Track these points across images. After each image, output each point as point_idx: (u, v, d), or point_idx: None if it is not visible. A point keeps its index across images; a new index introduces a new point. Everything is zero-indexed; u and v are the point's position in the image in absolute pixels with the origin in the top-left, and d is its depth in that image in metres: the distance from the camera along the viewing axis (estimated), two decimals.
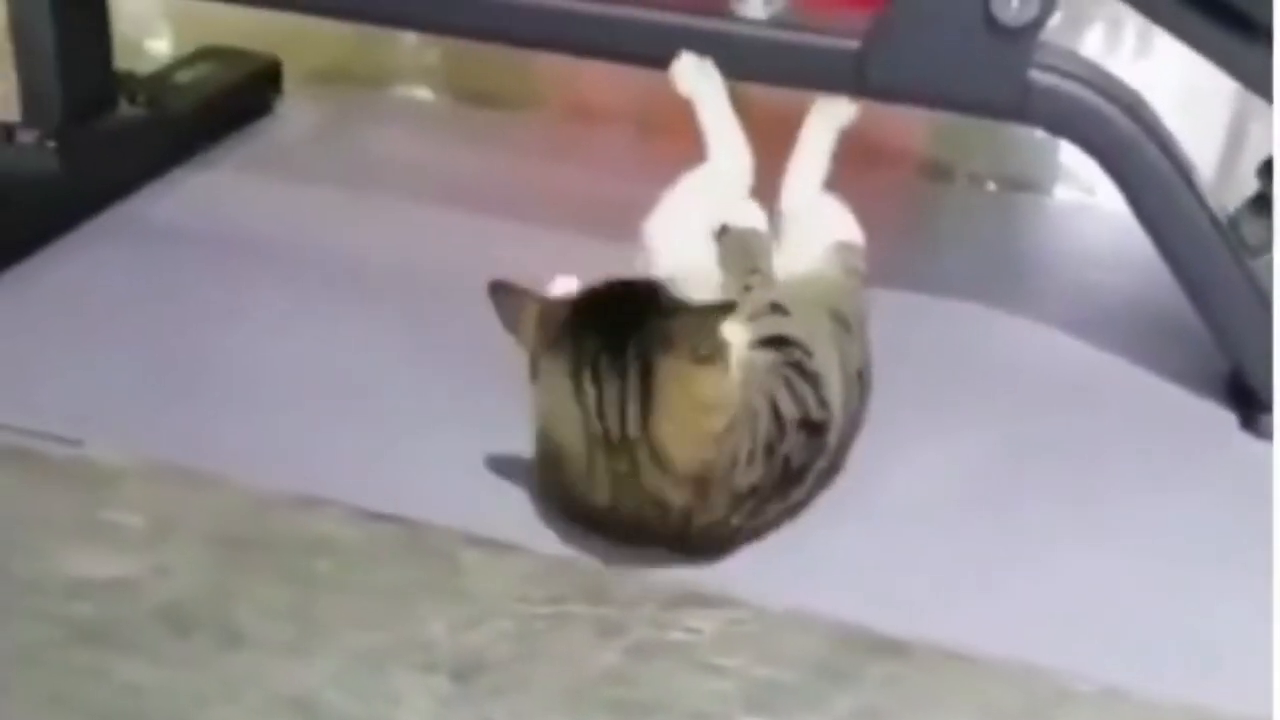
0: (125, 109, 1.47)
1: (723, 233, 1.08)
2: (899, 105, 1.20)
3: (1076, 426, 1.18)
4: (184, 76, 1.58)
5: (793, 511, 1.03)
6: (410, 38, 1.92)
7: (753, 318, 1.02)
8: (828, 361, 1.03)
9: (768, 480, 0.98)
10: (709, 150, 1.17)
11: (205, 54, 1.65)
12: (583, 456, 0.96)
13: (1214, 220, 1.16)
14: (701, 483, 0.95)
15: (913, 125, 1.70)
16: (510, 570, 0.99)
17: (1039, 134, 1.64)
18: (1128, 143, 1.15)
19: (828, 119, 1.20)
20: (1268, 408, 1.17)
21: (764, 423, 0.97)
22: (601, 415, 0.94)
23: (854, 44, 1.18)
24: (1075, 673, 0.92)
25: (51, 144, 1.37)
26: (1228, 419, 1.20)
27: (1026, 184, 1.62)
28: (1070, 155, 1.64)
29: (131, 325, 1.26)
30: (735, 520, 0.99)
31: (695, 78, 1.18)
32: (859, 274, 1.15)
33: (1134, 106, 1.16)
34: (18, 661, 0.90)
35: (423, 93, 1.85)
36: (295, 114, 1.68)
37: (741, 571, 1.00)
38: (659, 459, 0.94)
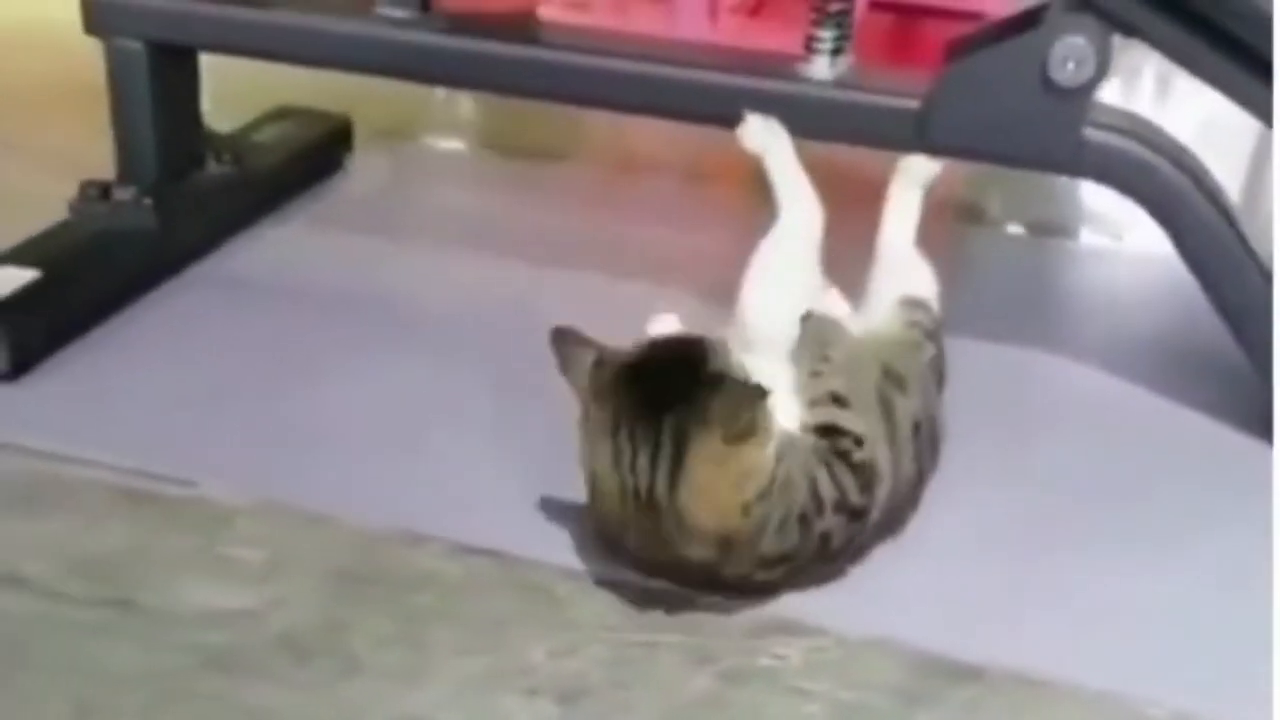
0: (213, 167, 1.55)
1: (806, 318, 1.11)
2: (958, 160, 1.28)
3: (1121, 460, 1.24)
4: (263, 135, 1.66)
5: (855, 555, 1.08)
6: (463, 96, 2.00)
7: (812, 404, 1.06)
8: (875, 436, 1.07)
9: (803, 551, 1.03)
10: (781, 207, 1.22)
11: (280, 114, 1.73)
12: (617, 503, 1.01)
13: (1261, 268, 1.22)
14: (725, 543, 1.00)
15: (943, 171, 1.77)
16: (603, 602, 1.05)
17: (1064, 179, 1.71)
18: (1177, 195, 1.22)
19: (909, 177, 1.25)
20: None
21: (800, 494, 1.01)
22: (634, 473, 0.99)
23: (915, 103, 1.25)
24: (1147, 697, 0.98)
25: (148, 201, 1.44)
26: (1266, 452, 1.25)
27: (1053, 229, 1.68)
28: (1095, 200, 1.72)
29: (227, 372, 1.32)
30: (764, 577, 1.03)
31: (763, 136, 1.24)
32: (921, 328, 1.18)
33: (1181, 159, 1.23)
34: (154, 687, 0.96)
35: (480, 149, 1.92)
36: (363, 170, 1.75)
37: (820, 602, 1.06)
38: (682, 525, 0.99)
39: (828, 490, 1.03)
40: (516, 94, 1.37)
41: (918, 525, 1.13)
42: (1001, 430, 1.26)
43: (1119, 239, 1.65)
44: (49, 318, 1.33)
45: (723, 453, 0.98)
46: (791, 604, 1.05)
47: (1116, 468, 1.23)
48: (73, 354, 1.33)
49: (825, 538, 1.03)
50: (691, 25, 1.98)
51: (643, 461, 0.98)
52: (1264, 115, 1.18)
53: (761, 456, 0.99)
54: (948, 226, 1.66)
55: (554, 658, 1.00)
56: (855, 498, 1.04)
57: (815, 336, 1.10)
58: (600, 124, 1.92)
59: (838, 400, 1.06)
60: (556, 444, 1.20)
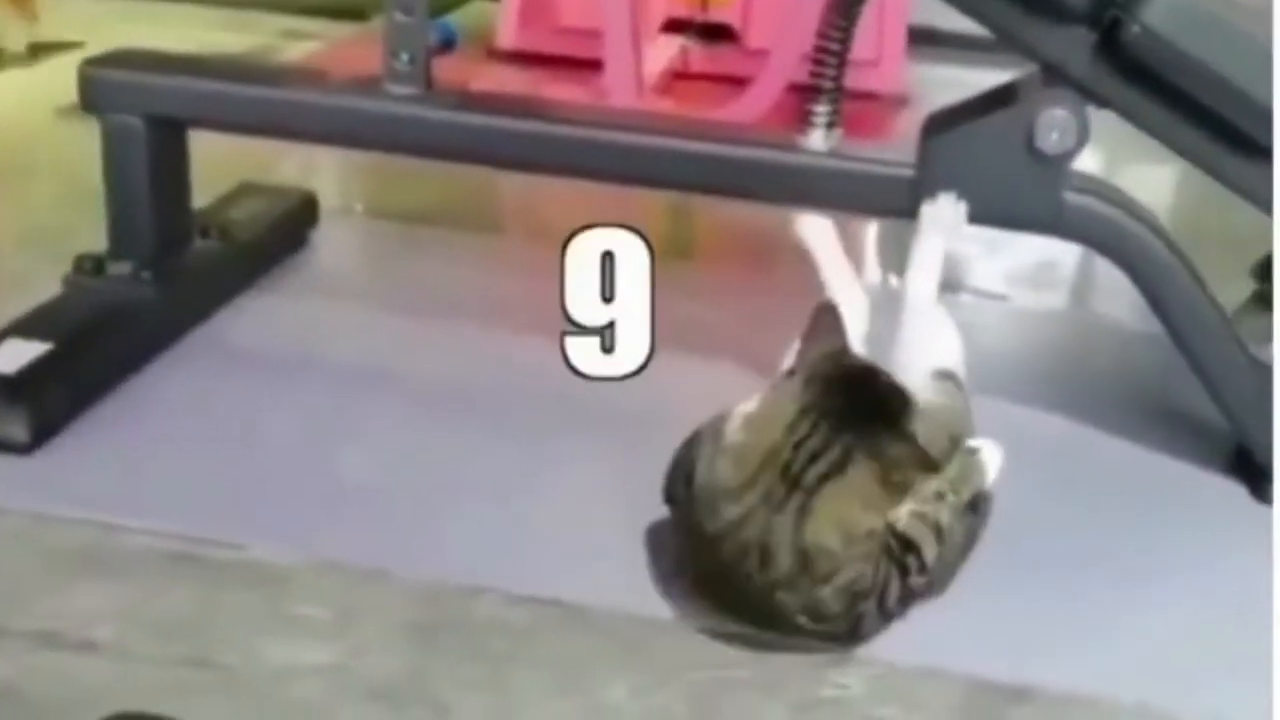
0: (199, 242, 1.57)
1: (971, 452, 1.16)
2: None
3: (1117, 497, 1.33)
4: (240, 211, 1.68)
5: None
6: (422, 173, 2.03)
7: (917, 518, 1.09)
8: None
9: (839, 625, 1.08)
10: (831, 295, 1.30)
11: (245, 190, 1.75)
12: (758, 461, 1.06)
13: (1223, 316, 1.34)
14: (811, 562, 1.05)
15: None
16: (670, 641, 1.10)
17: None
18: (1153, 257, 1.32)
19: (934, 224, 1.30)
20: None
21: (866, 572, 1.06)
22: (797, 449, 1.06)
23: (909, 172, 1.34)
24: (1188, 713, 1.06)
25: (147, 275, 1.46)
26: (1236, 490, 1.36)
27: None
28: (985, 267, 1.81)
29: (243, 436, 1.34)
30: (803, 622, 1.08)
31: (812, 235, 1.36)
32: (955, 395, 1.22)
33: (1149, 220, 1.34)
34: None
35: (434, 222, 1.96)
36: (326, 243, 1.79)
37: None
38: (802, 516, 1.05)
39: (880, 583, 1.08)
40: (528, 170, 1.42)
41: None
42: None
43: (1003, 299, 1.75)
44: (65, 389, 1.33)
45: (869, 488, 1.05)
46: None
47: (1118, 502, 1.32)
48: (87, 424, 1.34)
49: (858, 621, 1.09)
50: (622, 98, 2.09)
51: (812, 445, 1.05)
52: (1239, 189, 1.29)
53: (895, 505, 1.06)
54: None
55: (636, 696, 1.05)
56: (891, 603, 1.10)
57: (967, 468, 1.15)
58: (531, 196, 1.98)
59: (938, 532, 1.10)
60: (574, 495, 1.26)
